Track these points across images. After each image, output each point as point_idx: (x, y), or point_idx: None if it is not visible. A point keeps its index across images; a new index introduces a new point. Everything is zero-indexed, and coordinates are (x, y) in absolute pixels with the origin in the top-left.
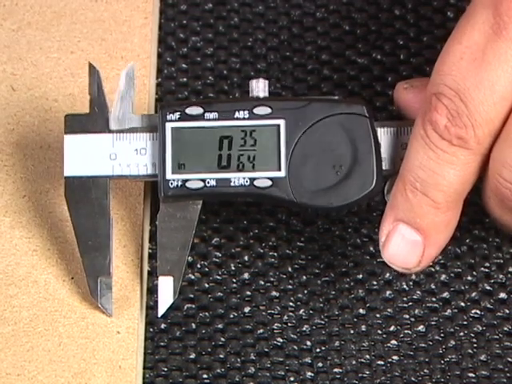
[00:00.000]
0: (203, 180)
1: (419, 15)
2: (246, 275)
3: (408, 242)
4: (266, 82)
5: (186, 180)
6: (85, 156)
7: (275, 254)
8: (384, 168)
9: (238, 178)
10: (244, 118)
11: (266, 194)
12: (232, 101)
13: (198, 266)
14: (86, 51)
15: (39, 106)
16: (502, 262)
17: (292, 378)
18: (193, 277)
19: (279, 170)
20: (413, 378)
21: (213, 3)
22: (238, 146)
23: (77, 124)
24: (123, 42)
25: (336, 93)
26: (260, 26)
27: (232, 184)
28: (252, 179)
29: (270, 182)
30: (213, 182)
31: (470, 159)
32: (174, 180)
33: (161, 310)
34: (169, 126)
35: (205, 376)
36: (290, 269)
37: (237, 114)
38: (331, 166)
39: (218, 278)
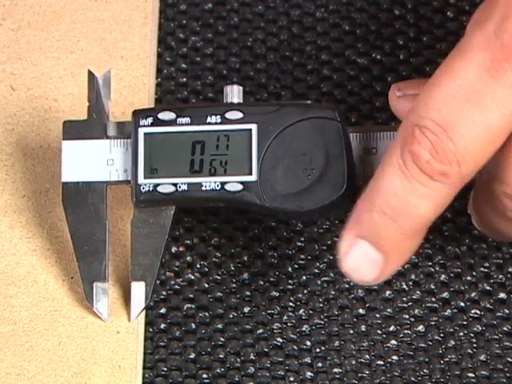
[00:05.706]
0: (174, 184)
1: (419, 15)
2: (245, 275)
3: (368, 260)
4: (241, 88)
5: (158, 184)
6: (82, 162)
7: (275, 254)
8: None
9: (209, 183)
10: (216, 123)
11: (237, 198)
12: (204, 106)
13: (198, 266)
14: (86, 51)
15: (39, 105)
16: (501, 262)
17: (292, 378)
18: (193, 277)
19: (250, 174)
20: (412, 378)
21: (213, 3)
22: (211, 150)
23: (75, 130)
24: (123, 42)
25: (335, 93)
26: (260, 25)
27: (203, 188)
28: (223, 183)
29: (241, 186)
30: (184, 187)
31: (447, 193)
32: (145, 184)
33: (133, 315)
34: (141, 131)
35: (204, 376)
36: (289, 269)
37: (209, 119)
38: (302, 169)
39: (218, 278)
